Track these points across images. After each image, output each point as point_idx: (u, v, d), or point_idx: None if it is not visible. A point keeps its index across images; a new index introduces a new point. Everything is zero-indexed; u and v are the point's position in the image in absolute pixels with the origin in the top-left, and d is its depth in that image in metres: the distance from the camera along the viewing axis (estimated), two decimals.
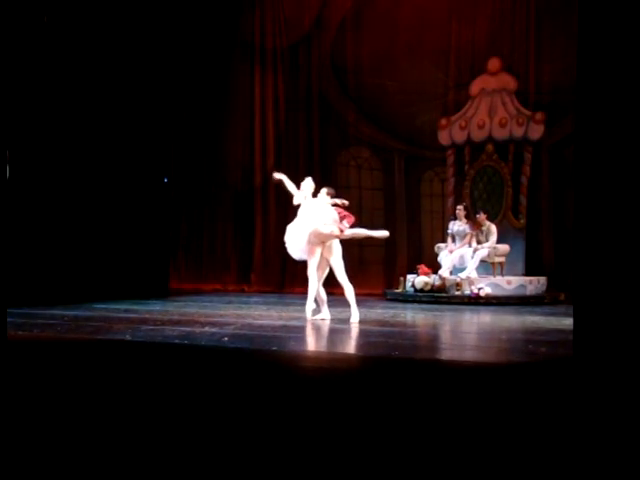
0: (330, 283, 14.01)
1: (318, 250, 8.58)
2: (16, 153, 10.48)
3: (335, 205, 8.70)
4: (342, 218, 8.57)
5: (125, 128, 12.91)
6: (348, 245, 14.62)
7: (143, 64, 13.29)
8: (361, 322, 8.65)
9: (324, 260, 8.67)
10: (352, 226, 8.65)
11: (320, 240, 8.54)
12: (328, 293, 8.99)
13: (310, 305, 8.74)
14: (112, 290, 11.96)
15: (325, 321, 8.65)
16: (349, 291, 8.69)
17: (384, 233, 9.05)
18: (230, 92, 14.97)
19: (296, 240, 8.71)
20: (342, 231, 8.51)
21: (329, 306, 8.88)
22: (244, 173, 15.09)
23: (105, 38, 12.39)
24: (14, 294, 8.28)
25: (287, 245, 8.85)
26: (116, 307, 10.37)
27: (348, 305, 8.66)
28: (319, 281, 8.72)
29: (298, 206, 8.93)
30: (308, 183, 8.98)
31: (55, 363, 5.73)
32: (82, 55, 12.02)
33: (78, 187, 11.99)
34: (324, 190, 8.87)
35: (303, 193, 8.92)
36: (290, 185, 9.05)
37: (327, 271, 8.79)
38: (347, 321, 8.65)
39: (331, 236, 8.51)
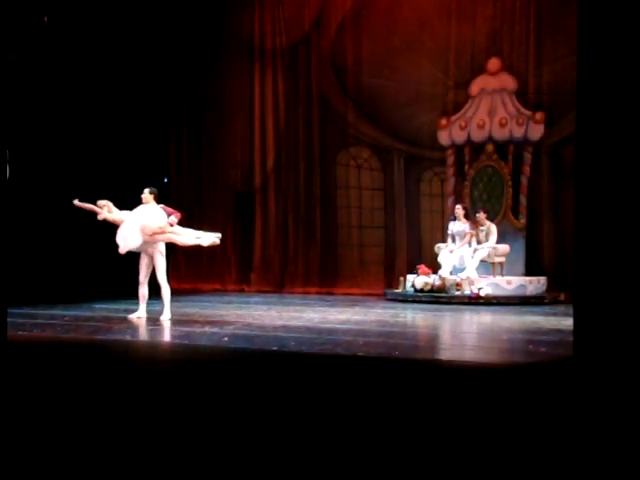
0: (332, 283, 14.12)
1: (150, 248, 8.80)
2: (16, 153, 10.48)
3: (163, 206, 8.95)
4: (169, 214, 8.84)
5: (125, 128, 12.90)
6: (348, 245, 14.76)
7: (143, 64, 13.29)
8: (361, 322, 8.67)
9: (149, 258, 8.89)
10: (180, 223, 8.87)
11: (150, 234, 8.68)
12: (330, 293, 9.01)
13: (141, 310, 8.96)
14: (112, 290, 11.95)
15: (142, 319, 8.85)
16: (166, 292, 8.93)
17: (215, 237, 8.97)
18: (230, 92, 14.96)
19: (127, 235, 8.76)
20: (171, 225, 8.73)
21: (338, 307, 8.88)
22: (244, 173, 15.08)
23: (105, 39, 12.40)
24: (14, 294, 8.27)
25: (119, 240, 8.82)
26: (116, 307, 10.37)
27: (347, 305, 8.67)
28: (146, 278, 8.97)
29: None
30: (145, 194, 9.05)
31: (55, 364, 5.73)
32: (82, 55, 12.03)
33: (78, 187, 11.96)
34: (147, 190, 9.04)
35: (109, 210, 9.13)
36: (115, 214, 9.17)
37: (151, 269, 8.98)
38: (350, 322, 8.64)
39: (160, 230, 8.69)
